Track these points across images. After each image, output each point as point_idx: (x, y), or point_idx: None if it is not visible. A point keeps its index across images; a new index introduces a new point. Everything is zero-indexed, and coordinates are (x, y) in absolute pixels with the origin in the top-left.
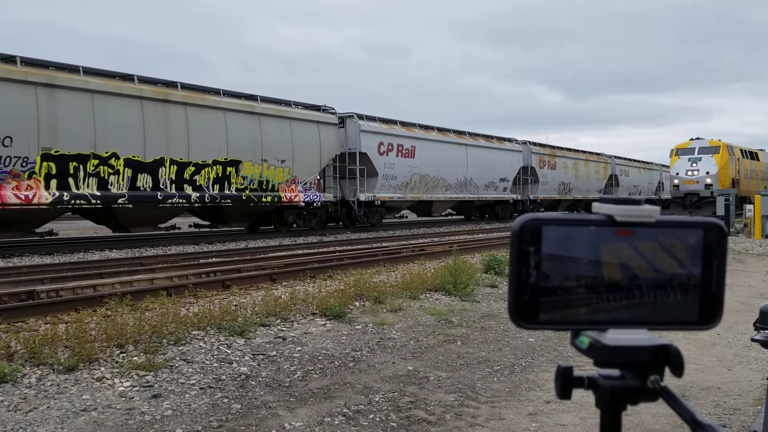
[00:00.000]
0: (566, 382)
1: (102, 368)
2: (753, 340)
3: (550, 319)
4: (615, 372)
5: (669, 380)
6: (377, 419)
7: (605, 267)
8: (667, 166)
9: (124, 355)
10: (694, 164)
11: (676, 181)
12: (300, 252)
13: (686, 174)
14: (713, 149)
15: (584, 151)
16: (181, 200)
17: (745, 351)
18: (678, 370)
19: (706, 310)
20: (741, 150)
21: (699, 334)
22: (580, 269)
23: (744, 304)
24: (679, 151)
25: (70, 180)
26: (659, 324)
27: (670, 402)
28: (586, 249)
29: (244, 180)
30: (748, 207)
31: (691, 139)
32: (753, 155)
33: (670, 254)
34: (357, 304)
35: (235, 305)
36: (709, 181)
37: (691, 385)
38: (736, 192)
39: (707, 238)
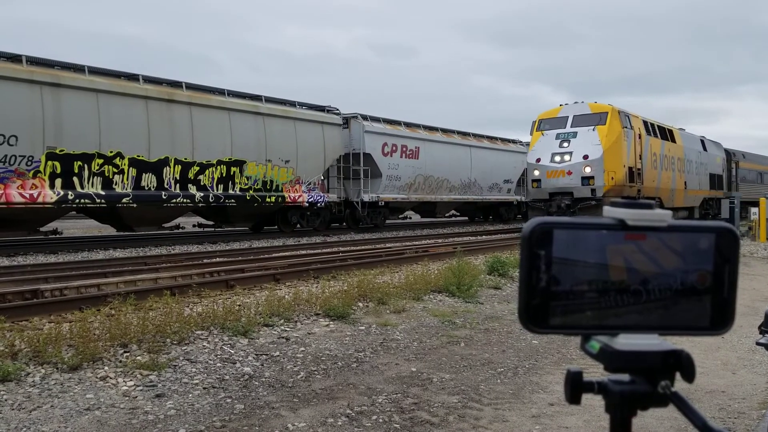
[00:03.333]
0: (576, 387)
1: (106, 367)
2: (758, 343)
3: (560, 324)
4: (625, 377)
5: (677, 385)
6: (380, 420)
7: (616, 271)
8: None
9: (128, 354)
10: (566, 144)
11: (536, 173)
12: (303, 252)
13: (552, 160)
14: (596, 118)
15: None
16: (185, 200)
17: (749, 354)
18: (689, 375)
19: (718, 316)
20: (646, 123)
21: (703, 337)
22: (591, 273)
23: (749, 308)
24: (543, 124)
25: (75, 179)
26: (670, 329)
27: (681, 407)
28: (597, 253)
29: (248, 180)
30: (753, 210)
31: (562, 105)
32: (666, 133)
33: (681, 259)
34: (360, 304)
35: (239, 305)
36: (588, 170)
37: (695, 388)
38: (638, 190)
39: (719, 242)
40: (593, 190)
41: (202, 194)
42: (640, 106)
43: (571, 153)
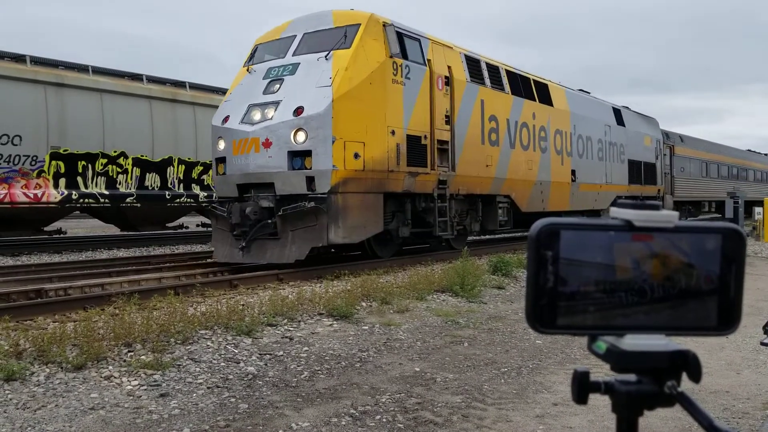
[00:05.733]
0: (583, 387)
1: (110, 367)
2: (762, 343)
3: (567, 324)
4: (632, 377)
5: (682, 385)
6: (384, 420)
7: (623, 272)
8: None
9: (132, 353)
10: (276, 86)
11: (220, 145)
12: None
13: (245, 119)
14: (337, 36)
15: None
16: (188, 199)
17: (753, 354)
18: (696, 375)
19: (725, 316)
20: (474, 61)
21: (708, 338)
22: (598, 274)
23: (753, 308)
24: (261, 52)
25: (79, 179)
26: (677, 329)
27: (688, 407)
28: (604, 254)
29: None
30: (757, 210)
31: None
32: (529, 87)
33: (688, 260)
34: (364, 304)
35: (243, 305)
36: (302, 139)
37: (699, 388)
38: (439, 180)
39: (726, 243)
40: (310, 180)
41: (206, 194)
42: (645, 105)
43: (277, 104)
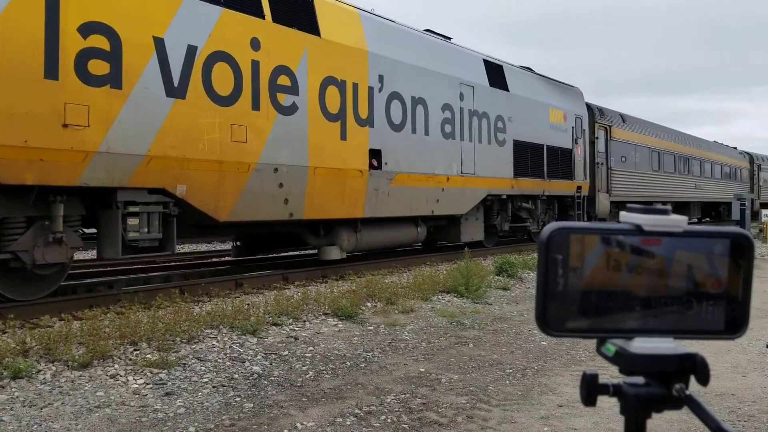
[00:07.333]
0: (592, 389)
1: (116, 365)
2: None
3: (577, 327)
4: (640, 380)
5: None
6: (389, 420)
7: (632, 276)
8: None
9: (138, 352)
10: None
11: None
12: (312, 251)
13: None
14: None
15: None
16: None
17: (759, 357)
18: (704, 379)
19: (733, 320)
20: None
21: (713, 341)
22: (607, 278)
23: (759, 311)
24: None
25: None
26: (685, 333)
27: (696, 410)
28: (613, 258)
29: None
30: (764, 212)
31: None
32: None
33: (696, 264)
34: (369, 304)
35: (248, 304)
36: None
37: (704, 391)
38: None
39: (734, 248)
40: None
41: None
42: (652, 106)
43: None
